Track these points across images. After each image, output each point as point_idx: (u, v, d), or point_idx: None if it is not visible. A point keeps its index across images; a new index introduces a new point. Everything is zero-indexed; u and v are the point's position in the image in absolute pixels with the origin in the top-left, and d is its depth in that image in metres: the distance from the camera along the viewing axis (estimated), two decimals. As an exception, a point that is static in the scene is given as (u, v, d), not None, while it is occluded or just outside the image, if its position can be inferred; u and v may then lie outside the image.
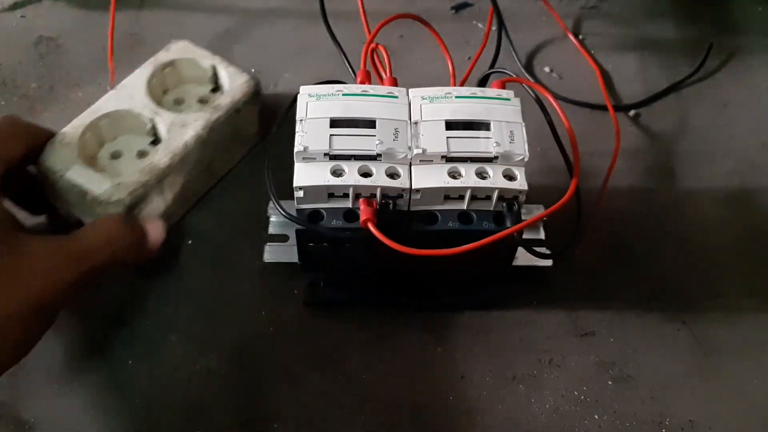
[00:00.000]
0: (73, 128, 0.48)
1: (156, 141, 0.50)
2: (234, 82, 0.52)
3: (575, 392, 0.45)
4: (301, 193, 0.40)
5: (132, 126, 0.50)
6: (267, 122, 0.55)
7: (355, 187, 0.39)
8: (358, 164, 0.40)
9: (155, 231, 0.45)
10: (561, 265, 0.46)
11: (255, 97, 0.52)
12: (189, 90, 0.54)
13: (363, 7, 0.49)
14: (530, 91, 0.45)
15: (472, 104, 0.42)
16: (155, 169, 0.47)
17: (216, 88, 0.54)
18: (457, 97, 0.42)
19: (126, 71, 0.51)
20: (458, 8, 0.68)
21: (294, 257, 0.44)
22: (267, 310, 0.48)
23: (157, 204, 0.48)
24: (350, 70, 0.52)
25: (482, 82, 0.46)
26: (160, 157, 0.47)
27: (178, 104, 0.53)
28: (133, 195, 0.45)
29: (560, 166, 0.43)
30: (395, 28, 0.64)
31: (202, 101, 0.53)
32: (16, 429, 0.42)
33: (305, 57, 0.62)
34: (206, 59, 0.53)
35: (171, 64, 0.53)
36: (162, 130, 0.49)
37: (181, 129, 0.49)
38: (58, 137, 0.47)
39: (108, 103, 0.50)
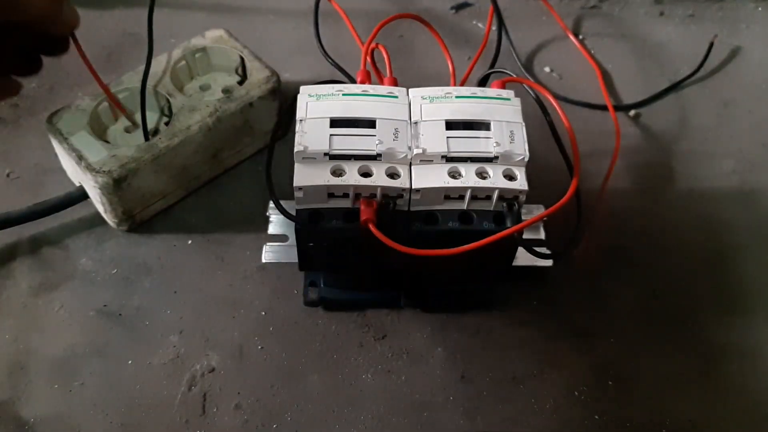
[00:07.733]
0: (93, 97, 0.50)
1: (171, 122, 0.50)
2: (254, 77, 0.52)
3: (575, 392, 0.45)
4: (301, 193, 0.40)
5: (149, 103, 0.50)
6: (289, 120, 0.54)
7: (355, 187, 0.39)
8: (358, 164, 0.40)
9: (73, 13, 0.41)
10: (561, 265, 0.46)
11: (272, 93, 0.52)
12: (217, 78, 0.55)
13: (351, 24, 0.49)
14: (530, 91, 0.45)
15: (472, 104, 0.42)
16: (152, 147, 0.48)
17: (243, 80, 0.54)
18: (457, 97, 0.42)
19: (126, 71, 0.51)
20: (458, 8, 0.68)
21: (294, 257, 0.44)
22: (267, 310, 0.48)
23: (151, 180, 0.48)
24: (344, 77, 0.51)
25: (482, 82, 0.46)
26: (161, 137, 0.48)
27: (204, 90, 0.54)
28: (123, 168, 0.46)
29: (560, 166, 0.43)
30: (395, 28, 0.64)
31: (226, 91, 0.54)
32: (16, 429, 0.42)
33: (305, 57, 0.61)
34: (236, 50, 0.54)
35: (203, 50, 0.54)
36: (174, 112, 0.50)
37: (189, 114, 0.49)
38: (77, 101, 0.49)
39: (131, 78, 0.51)
